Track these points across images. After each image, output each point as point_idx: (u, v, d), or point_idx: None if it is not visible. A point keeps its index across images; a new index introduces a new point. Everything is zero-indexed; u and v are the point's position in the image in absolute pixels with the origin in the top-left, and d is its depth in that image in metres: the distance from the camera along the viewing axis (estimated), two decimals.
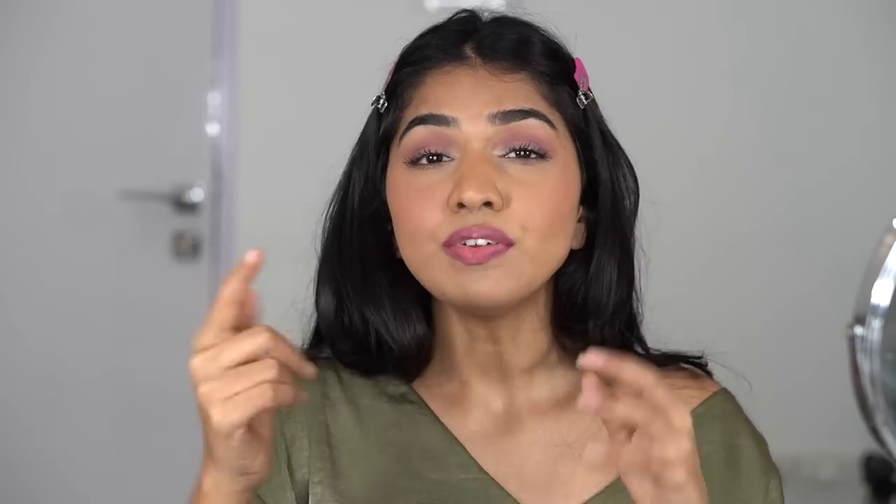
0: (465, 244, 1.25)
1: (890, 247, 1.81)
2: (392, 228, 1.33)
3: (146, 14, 3.58)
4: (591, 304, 1.33)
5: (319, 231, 1.37)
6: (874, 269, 1.80)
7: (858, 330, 1.79)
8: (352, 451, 1.33)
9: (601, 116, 1.36)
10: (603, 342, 1.33)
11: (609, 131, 1.36)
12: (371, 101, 1.36)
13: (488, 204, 1.24)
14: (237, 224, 3.57)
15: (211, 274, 3.60)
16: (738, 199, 3.62)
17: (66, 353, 3.58)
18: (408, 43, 1.37)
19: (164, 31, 3.58)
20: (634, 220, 1.36)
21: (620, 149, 1.36)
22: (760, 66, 3.62)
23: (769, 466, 1.34)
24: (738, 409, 1.37)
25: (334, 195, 1.37)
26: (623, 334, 1.35)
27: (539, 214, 1.26)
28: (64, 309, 3.58)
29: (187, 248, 3.60)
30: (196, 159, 3.61)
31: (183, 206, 3.59)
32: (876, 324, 1.78)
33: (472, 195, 1.24)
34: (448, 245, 1.25)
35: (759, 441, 1.36)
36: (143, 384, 3.58)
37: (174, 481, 3.61)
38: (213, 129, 3.61)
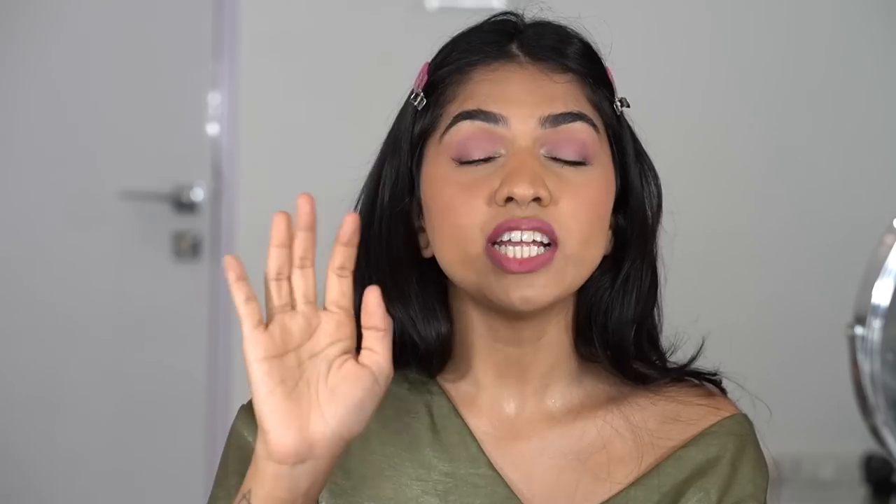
0: (509, 245, 1.25)
1: (890, 247, 1.81)
2: (418, 226, 1.33)
3: (146, 14, 3.58)
4: (616, 312, 1.33)
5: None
6: (874, 269, 1.80)
7: (859, 330, 1.79)
8: (366, 430, 1.33)
9: (631, 124, 1.37)
10: (622, 350, 1.34)
11: (638, 138, 1.37)
12: (407, 99, 1.35)
13: (537, 200, 1.25)
14: (237, 224, 3.56)
15: (211, 274, 3.60)
16: (738, 199, 3.62)
17: (66, 352, 3.58)
18: (444, 43, 1.36)
19: (164, 31, 3.58)
20: (657, 229, 1.36)
21: (647, 156, 1.37)
22: (761, 67, 3.62)
23: (755, 494, 1.33)
24: (751, 434, 1.36)
25: (362, 191, 1.37)
26: (642, 343, 1.35)
27: (584, 217, 1.27)
28: (64, 309, 3.58)
29: (187, 248, 3.60)
30: (196, 159, 3.61)
31: (183, 206, 3.59)
32: (876, 324, 1.79)
33: (523, 189, 1.24)
34: (493, 241, 1.25)
35: (759, 470, 1.34)
36: (143, 384, 3.58)
37: (174, 481, 3.62)
38: (213, 129, 3.61)
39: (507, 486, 1.30)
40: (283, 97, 3.56)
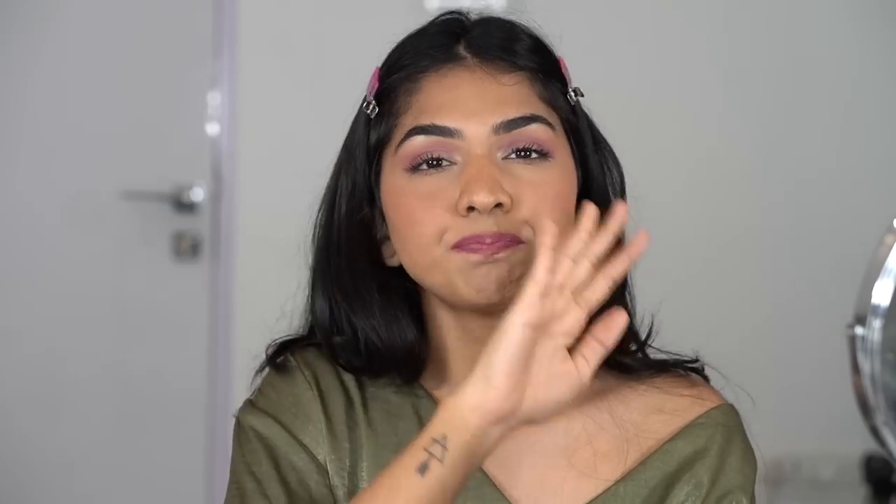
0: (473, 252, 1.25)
1: (890, 247, 1.81)
2: (381, 235, 1.32)
3: (146, 14, 3.57)
4: None
5: (309, 238, 1.37)
6: (874, 269, 1.80)
7: (859, 330, 1.79)
8: (355, 436, 1.33)
9: (587, 112, 1.36)
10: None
11: (595, 126, 1.36)
12: (360, 107, 1.35)
13: (498, 206, 1.25)
14: (237, 224, 3.56)
15: (211, 274, 3.60)
16: (737, 199, 3.62)
17: (66, 352, 3.57)
18: (392, 48, 1.35)
19: (164, 31, 3.58)
20: None
21: (606, 143, 1.36)
22: (760, 63, 3.62)
23: (744, 486, 1.32)
24: (738, 424, 1.35)
25: (322, 202, 1.36)
26: None
27: (546, 214, 1.26)
28: (64, 309, 3.57)
29: (187, 248, 3.60)
30: (196, 159, 3.60)
31: (183, 206, 3.59)
32: (876, 324, 1.78)
33: (483, 198, 1.24)
34: (458, 247, 1.25)
35: (747, 461, 1.33)
36: (143, 384, 3.58)
37: (174, 481, 3.62)
38: (213, 129, 3.61)
39: (494, 486, 1.30)
40: (283, 97, 3.56)
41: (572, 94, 1.33)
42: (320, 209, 1.36)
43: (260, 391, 1.37)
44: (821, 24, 3.63)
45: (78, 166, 3.57)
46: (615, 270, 1.18)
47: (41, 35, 3.54)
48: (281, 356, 1.37)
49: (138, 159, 3.58)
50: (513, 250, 1.25)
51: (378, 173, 1.32)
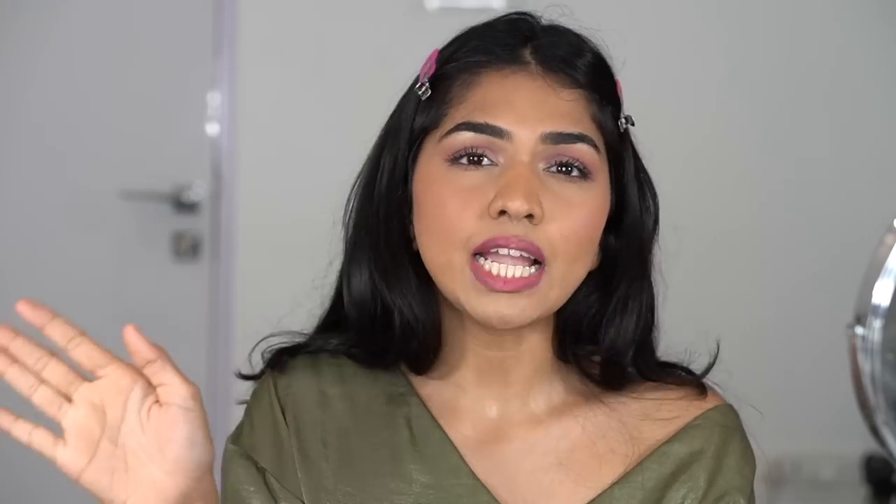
0: (495, 260, 1.24)
1: (890, 247, 1.81)
2: (408, 220, 1.32)
3: (146, 14, 3.58)
4: (612, 332, 1.32)
5: (341, 216, 1.36)
6: (874, 269, 1.80)
7: (859, 330, 1.79)
8: (344, 449, 1.33)
9: (633, 140, 1.36)
10: (617, 368, 1.33)
11: (639, 155, 1.36)
12: (411, 86, 1.34)
13: (529, 216, 1.24)
14: (237, 224, 3.57)
15: (211, 274, 3.60)
16: (738, 199, 3.62)
17: (65, 353, 3.57)
18: (456, 35, 1.34)
19: (164, 31, 3.58)
20: (653, 245, 1.35)
21: (647, 173, 1.36)
22: (761, 63, 3.62)
23: (742, 486, 1.32)
24: (737, 424, 1.35)
25: (358, 178, 1.36)
26: (640, 361, 1.34)
27: (574, 236, 1.26)
28: (64, 309, 3.55)
29: (187, 248, 3.61)
30: (196, 159, 3.61)
31: (183, 205, 3.59)
32: (876, 324, 1.79)
33: (519, 205, 1.23)
34: (478, 253, 1.25)
35: (746, 461, 1.33)
36: None
37: None
38: (212, 129, 3.61)
39: (489, 493, 1.29)
40: (282, 97, 3.56)
41: (623, 120, 1.33)
42: (356, 186, 1.36)
43: (242, 428, 1.39)
44: (820, 23, 3.64)
45: (77, 166, 3.57)
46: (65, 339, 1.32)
47: (41, 35, 3.54)
48: (278, 363, 1.37)
49: (138, 159, 3.58)
50: (532, 290, 1.25)
51: (416, 156, 1.31)
